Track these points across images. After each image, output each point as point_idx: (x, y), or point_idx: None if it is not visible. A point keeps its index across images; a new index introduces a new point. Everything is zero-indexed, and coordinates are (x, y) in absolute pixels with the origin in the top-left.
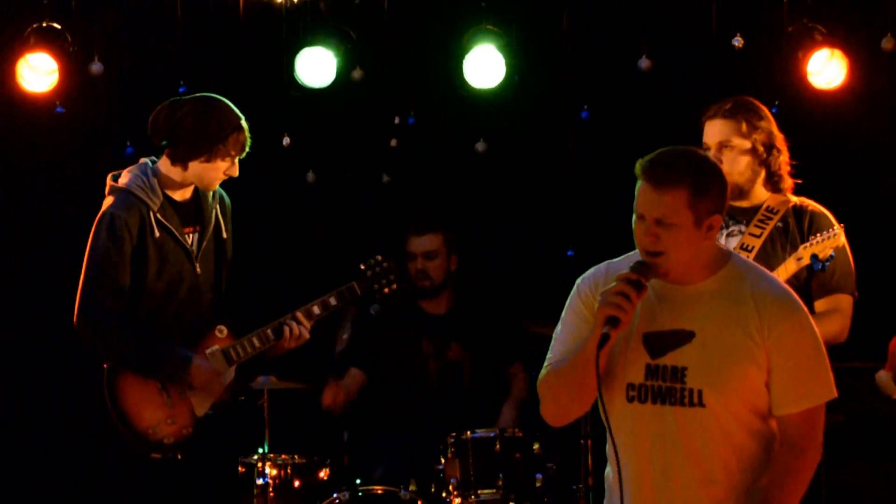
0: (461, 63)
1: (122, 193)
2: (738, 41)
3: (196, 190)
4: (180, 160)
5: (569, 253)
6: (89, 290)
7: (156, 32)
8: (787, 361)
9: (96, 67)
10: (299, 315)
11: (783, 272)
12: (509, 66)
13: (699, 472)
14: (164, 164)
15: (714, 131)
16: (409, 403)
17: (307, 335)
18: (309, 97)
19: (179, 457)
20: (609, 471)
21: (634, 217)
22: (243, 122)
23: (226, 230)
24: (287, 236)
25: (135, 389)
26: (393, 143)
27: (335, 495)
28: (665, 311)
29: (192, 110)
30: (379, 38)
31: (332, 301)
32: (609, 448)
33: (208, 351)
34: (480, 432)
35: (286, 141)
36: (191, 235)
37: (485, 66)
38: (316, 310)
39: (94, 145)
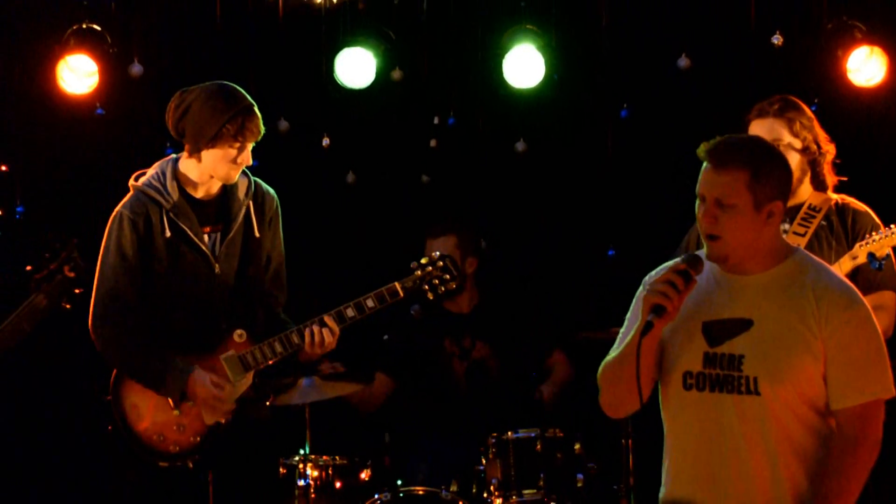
0: (501, 63)
1: (135, 193)
2: (777, 39)
3: (224, 188)
4: (194, 150)
5: (609, 253)
6: (98, 296)
7: (195, 34)
8: (843, 354)
9: (136, 69)
10: (327, 318)
11: (837, 271)
12: (549, 65)
13: (756, 460)
14: (182, 160)
15: (763, 130)
16: (439, 404)
17: (331, 339)
18: (348, 98)
19: (191, 465)
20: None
21: (697, 201)
22: (255, 109)
23: (259, 229)
24: (327, 237)
25: (142, 396)
26: (433, 143)
27: (376, 496)
28: (725, 300)
29: (199, 95)
30: (418, 38)
31: (370, 303)
32: (666, 435)
33: (224, 356)
34: (521, 432)
35: (326, 142)
36: (210, 235)
37: (524, 66)
38: (350, 312)
39: (134, 147)
